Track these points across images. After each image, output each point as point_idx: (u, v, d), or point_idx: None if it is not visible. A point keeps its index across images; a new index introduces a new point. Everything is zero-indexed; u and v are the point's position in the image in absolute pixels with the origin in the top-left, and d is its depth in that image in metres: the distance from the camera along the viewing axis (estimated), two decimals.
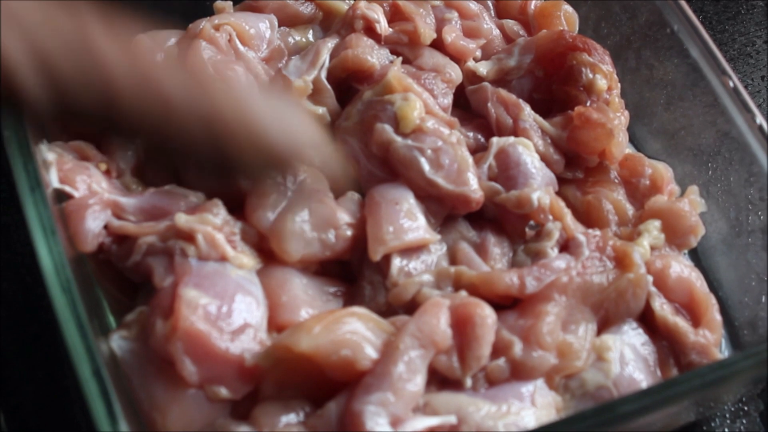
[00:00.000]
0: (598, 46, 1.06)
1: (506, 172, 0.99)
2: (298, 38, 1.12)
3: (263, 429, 0.82)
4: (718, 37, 1.36)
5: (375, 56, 1.05)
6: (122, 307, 0.93)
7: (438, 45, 1.10)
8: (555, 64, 1.06)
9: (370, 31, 1.07)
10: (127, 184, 0.98)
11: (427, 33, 1.08)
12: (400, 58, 1.05)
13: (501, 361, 0.87)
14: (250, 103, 0.80)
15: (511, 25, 1.16)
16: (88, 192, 0.92)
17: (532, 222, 0.98)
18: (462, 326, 0.86)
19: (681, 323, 0.94)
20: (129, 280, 0.94)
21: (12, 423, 0.99)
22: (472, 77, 1.09)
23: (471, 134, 1.05)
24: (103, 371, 0.75)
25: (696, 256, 1.07)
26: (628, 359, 0.91)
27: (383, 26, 1.07)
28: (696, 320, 0.95)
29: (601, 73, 1.04)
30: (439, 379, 0.86)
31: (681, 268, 0.97)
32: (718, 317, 0.95)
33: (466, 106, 1.10)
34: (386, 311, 0.91)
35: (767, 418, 1.04)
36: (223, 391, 0.84)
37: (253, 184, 0.89)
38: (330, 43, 1.06)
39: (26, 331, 1.05)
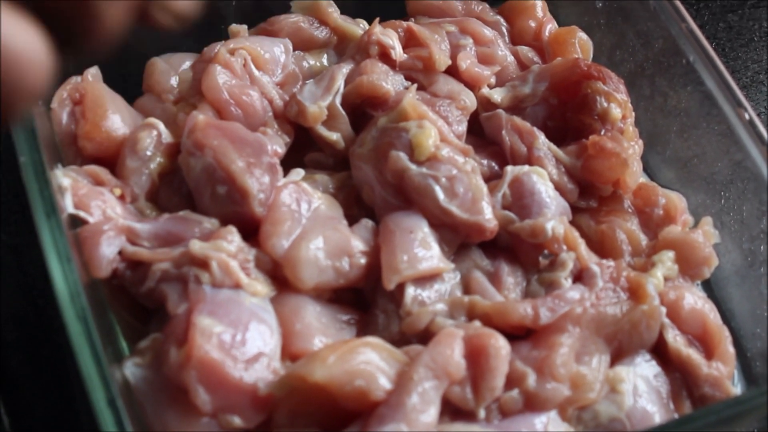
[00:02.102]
0: (612, 74, 1.06)
1: (520, 201, 0.99)
2: (312, 62, 1.12)
3: None
4: (731, 64, 1.36)
5: (390, 82, 1.05)
6: (135, 332, 0.93)
7: (452, 71, 1.10)
8: (569, 92, 1.06)
9: (385, 56, 1.07)
10: (141, 209, 0.98)
11: (442, 59, 1.08)
12: (415, 85, 1.05)
13: (514, 393, 0.87)
14: None
15: (526, 51, 1.16)
16: (102, 217, 0.92)
17: (546, 251, 0.98)
18: (476, 357, 0.86)
19: (694, 355, 0.94)
20: (142, 305, 0.94)
21: None
22: (486, 104, 1.09)
23: (485, 162, 1.05)
24: (117, 401, 0.75)
25: (709, 287, 1.07)
26: (641, 391, 0.91)
27: (398, 52, 1.07)
28: (709, 352, 0.95)
29: (616, 101, 1.04)
30: (452, 410, 0.86)
31: (694, 299, 0.97)
32: (731, 349, 0.95)
33: (480, 133, 1.09)
34: (399, 340, 0.91)
35: None
36: (237, 420, 0.83)
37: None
38: (345, 69, 1.06)
39: (38, 353, 1.05)
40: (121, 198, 0.97)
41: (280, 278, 0.92)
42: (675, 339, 0.94)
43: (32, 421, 1.00)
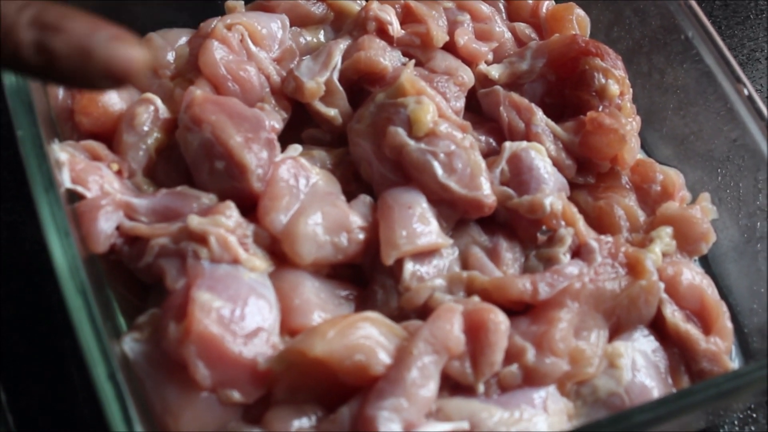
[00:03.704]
0: (610, 50, 1.06)
1: (519, 177, 0.99)
2: (309, 38, 1.12)
3: None
4: (726, 41, 1.36)
5: (387, 58, 1.05)
6: (133, 308, 0.93)
7: (450, 47, 1.09)
8: (567, 68, 1.06)
9: (383, 32, 1.07)
10: (138, 185, 0.98)
11: (440, 35, 1.07)
12: (413, 61, 1.05)
13: (514, 368, 0.87)
14: None
15: (523, 28, 1.15)
16: (100, 192, 0.92)
17: (544, 227, 0.98)
18: (475, 332, 0.86)
19: (692, 330, 0.94)
20: (139, 281, 0.93)
21: (21, 424, 0.98)
22: (484, 80, 1.09)
23: (483, 138, 1.04)
24: (118, 375, 0.75)
25: (706, 263, 1.07)
26: (640, 366, 0.91)
27: (396, 28, 1.07)
28: (707, 327, 0.96)
29: (614, 78, 1.04)
30: (452, 385, 0.86)
31: (692, 275, 0.97)
32: (729, 325, 0.95)
33: (478, 110, 1.09)
34: (398, 315, 0.91)
35: None
36: (236, 395, 0.83)
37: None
38: (342, 45, 1.06)
39: (35, 331, 1.04)
40: (119, 173, 0.97)
41: (279, 253, 0.92)
42: (673, 314, 0.94)
43: (29, 399, 1.00)
